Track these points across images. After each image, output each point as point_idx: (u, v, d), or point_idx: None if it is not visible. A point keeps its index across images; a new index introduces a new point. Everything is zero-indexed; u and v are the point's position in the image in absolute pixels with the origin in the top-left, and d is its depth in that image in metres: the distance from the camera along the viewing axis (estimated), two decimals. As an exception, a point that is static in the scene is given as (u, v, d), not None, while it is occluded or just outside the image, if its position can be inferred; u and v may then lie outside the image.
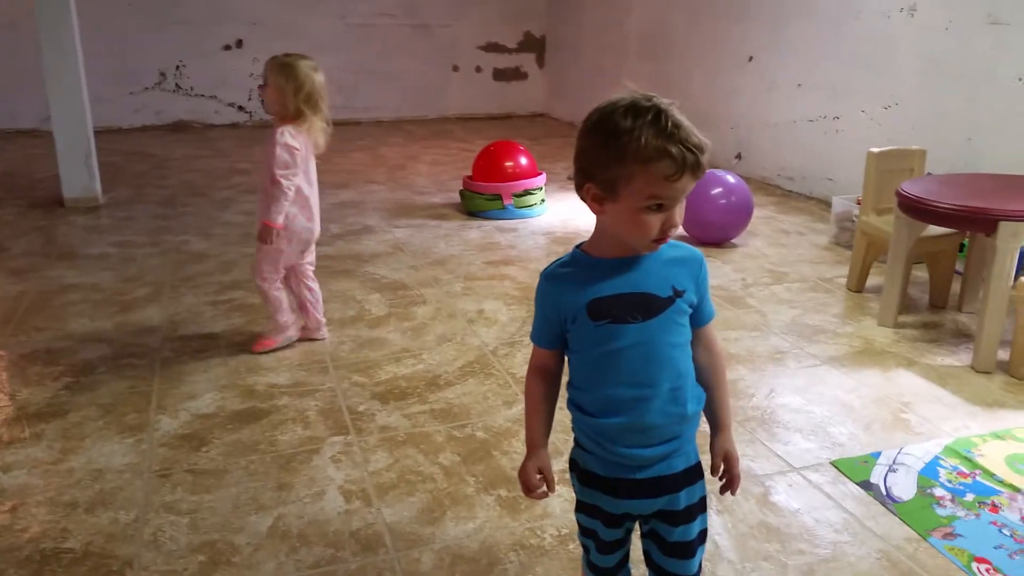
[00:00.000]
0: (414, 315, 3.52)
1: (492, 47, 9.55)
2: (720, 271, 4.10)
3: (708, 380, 1.41)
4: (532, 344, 1.43)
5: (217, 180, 6.19)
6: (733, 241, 4.57)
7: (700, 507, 1.42)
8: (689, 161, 1.20)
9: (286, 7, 8.62)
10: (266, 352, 3.11)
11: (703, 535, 1.45)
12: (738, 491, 1.48)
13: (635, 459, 1.34)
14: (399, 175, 6.47)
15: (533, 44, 9.71)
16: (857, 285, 3.81)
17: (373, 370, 2.98)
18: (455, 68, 9.44)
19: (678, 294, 1.32)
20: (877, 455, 2.41)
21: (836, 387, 2.87)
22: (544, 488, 1.41)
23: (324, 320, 3.26)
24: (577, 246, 1.36)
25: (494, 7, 9.39)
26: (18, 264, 4.18)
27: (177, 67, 8.44)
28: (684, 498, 1.39)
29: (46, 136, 6.77)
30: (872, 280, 3.83)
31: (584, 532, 1.48)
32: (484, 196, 5.15)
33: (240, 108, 8.79)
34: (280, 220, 2.90)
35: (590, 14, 8.60)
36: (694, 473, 1.40)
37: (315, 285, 3.21)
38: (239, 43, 8.59)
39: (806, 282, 3.96)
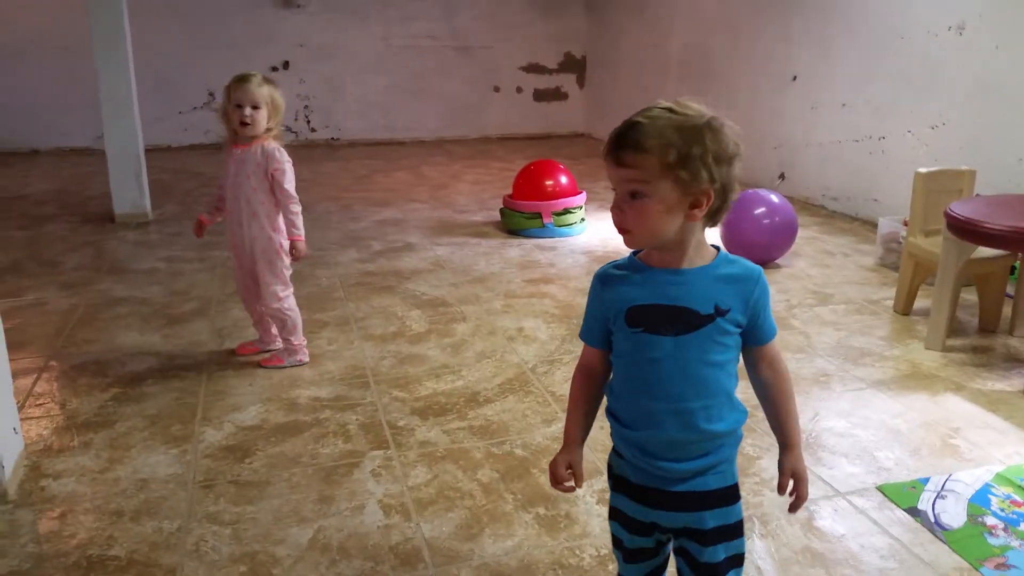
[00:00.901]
0: (454, 332, 3.53)
1: (533, 68, 9.62)
2: (762, 292, 4.05)
3: (773, 398, 1.41)
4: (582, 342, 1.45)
5: (262, 198, 6.30)
6: (777, 262, 4.52)
7: (734, 531, 1.39)
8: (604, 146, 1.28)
9: (331, 29, 8.80)
10: (271, 368, 3.12)
11: (736, 560, 1.41)
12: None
13: (668, 471, 1.35)
14: (440, 193, 6.53)
15: (574, 65, 9.76)
16: (904, 307, 3.73)
17: (413, 385, 3.00)
18: (496, 89, 9.53)
19: (720, 312, 1.30)
20: (925, 481, 2.36)
21: (882, 411, 2.81)
22: (571, 483, 1.43)
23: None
24: (635, 251, 1.37)
25: (535, 29, 9.47)
26: (70, 278, 4.30)
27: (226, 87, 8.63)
28: (712, 518, 1.37)
29: (98, 154, 6.97)
30: (919, 302, 3.75)
31: (614, 541, 1.49)
32: (524, 214, 5.17)
33: (286, 128, 8.92)
34: (302, 232, 2.98)
35: (631, 35, 8.63)
36: (728, 495, 1.38)
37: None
38: (286, 64, 8.77)
39: (852, 304, 3.90)
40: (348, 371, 3.13)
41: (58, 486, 2.33)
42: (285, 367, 3.14)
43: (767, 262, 4.48)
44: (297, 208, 2.97)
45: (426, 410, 2.80)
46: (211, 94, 8.62)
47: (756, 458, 2.48)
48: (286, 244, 3.05)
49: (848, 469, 2.44)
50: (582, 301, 3.85)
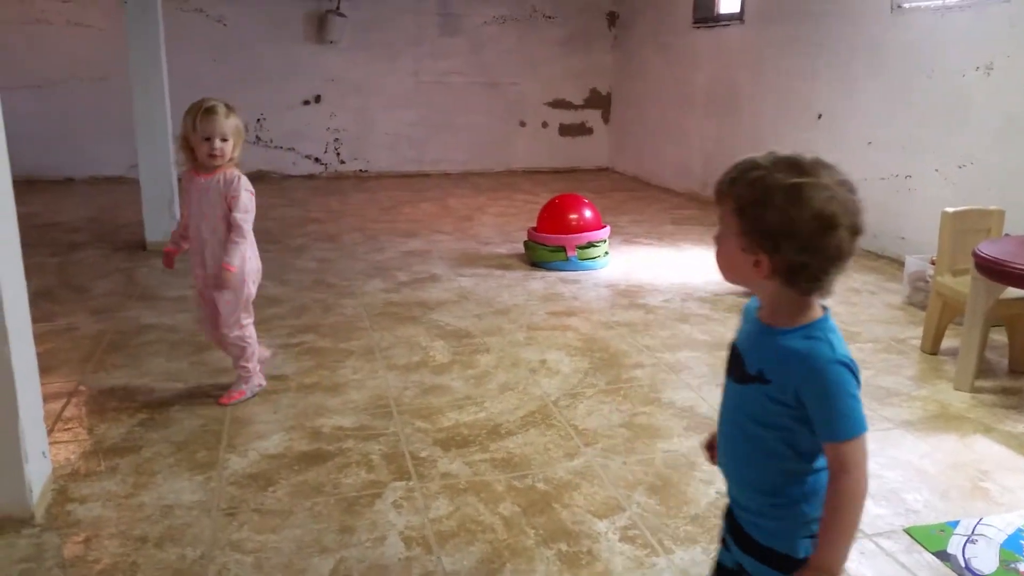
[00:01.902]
0: (477, 363, 3.54)
1: (559, 103, 9.72)
2: (787, 329, 4.03)
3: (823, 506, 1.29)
4: None
5: (292, 228, 6.39)
6: (801, 299, 4.49)
7: None
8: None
9: (362, 65, 8.96)
10: (235, 404, 3.07)
11: None
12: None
13: (735, 507, 1.42)
14: (465, 225, 6.58)
15: (599, 101, 9.85)
16: (932, 347, 3.69)
17: (436, 416, 3.00)
18: (522, 123, 9.63)
19: (762, 380, 1.28)
20: (954, 524, 2.31)
21: (910, 452, 2.77)
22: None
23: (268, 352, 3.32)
24: None
25: (562, 66, 9.59)
26: (100, 304, 4.37)
27: (258, 120, 8.82)
28: (752, 568, 1.37)
29: (131, 183, 7.11)
30: (948, 342, 3.71)
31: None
32: (548, 248, 5.20)
33: (316, 160, 9.10)
34: (238, 263, 2.93)
35: (656, 72, 8.70)
36: (771, 558, 1.34)
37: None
38: (318, 98, 8.94)
39: (878, 343, 3.86)
40: (372, 401, 3.14)
41: (84, 511, 2.36)
42: (248, 397, 3.12)
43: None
44: (241, 239, 2.92)
45: (448, 441, 2.81)
46: (244, 126, 8.77)
47: (781, 497, 2.45)
48: (253, 273, 3.05)
49: (875, 510, 2.40)
50: (605, 334, 3.88)
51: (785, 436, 1.29)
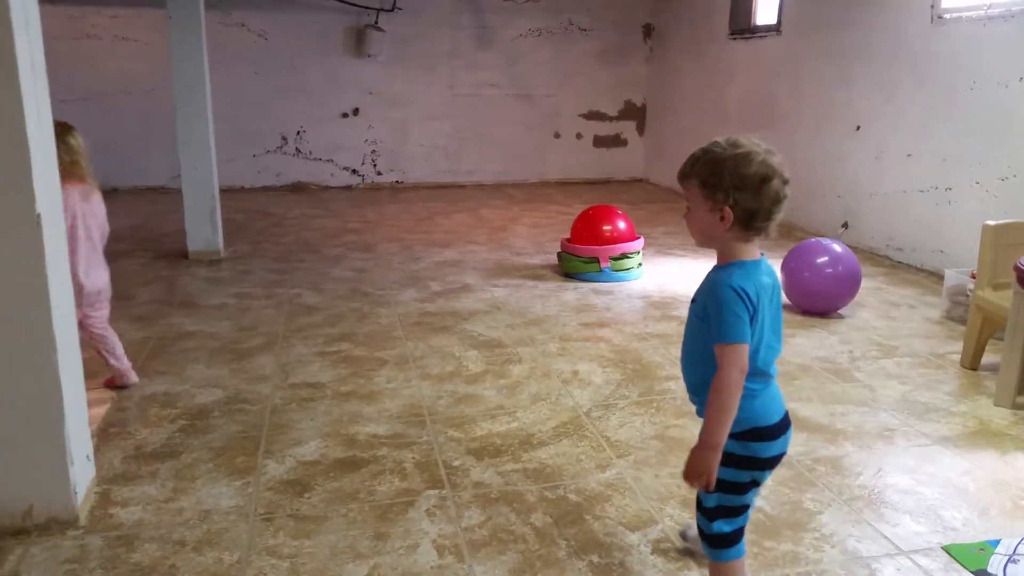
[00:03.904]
0: (510, 373, 3.56)
1: (593, 115, 9.73)
2: (826, 342, 3.99)
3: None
4: None
5: (330, 238, 6.48)
6: (840, 312, 4.44)
7: (716, 484, 1.76)
8: None
9: (400, 78, 9.07)
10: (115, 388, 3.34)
11: (723, 511, 1.82)
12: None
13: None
14: (499, 236, 6.62)
15: (633, 112, 9.84)
16: (972, 362, 3.63)
17: (468, 426, 3.03)
18: (556, 135, 9.65)
19: (694, 301, 1.79)
20: (995, 543, 2.27)
21: (949, 468, 2.73)
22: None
23: (129, 364, 3.40)
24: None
25: (597, 78, 9.60)
26: (142, 311, 4.47)
27: (298, 132, 8.96)
28: None
29: (173, 193, 7.28)
30: (988, 357, 3.64)
31: None
32: (581, 259, 5.20)
33: (354, 171, 9.21)
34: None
35: (691, 82, 8.68)
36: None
37: (106, 333, 3.31)
38: (356, 111, 9.06)
39: (917, 357, 3.80)
40: (406, 409, 3.17)
41: (125, 514, 2.42)
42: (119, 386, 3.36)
43: (830, 312, 4.41)
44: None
45: (481, 451, 2.83)
46: (284, 138, 8.93)
47: (816, 513, 2.43)
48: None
49: (912, 527, 2.37)
50: (638, 346, 3.88)
51: (705, 347, 1.71)
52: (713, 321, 1.68)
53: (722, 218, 1.68)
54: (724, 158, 1.68)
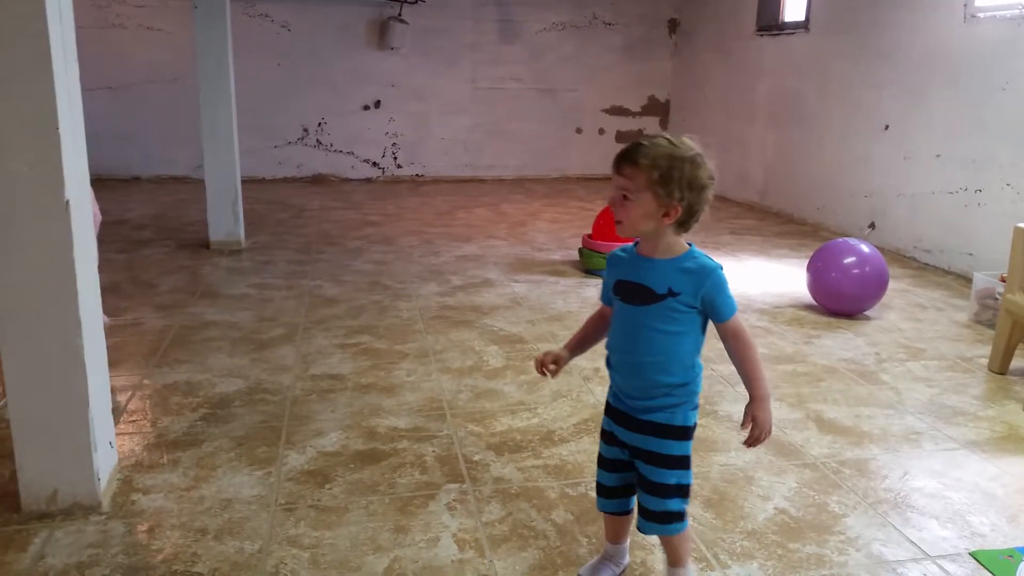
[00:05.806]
0: (530, 369, 3.54)
1: (616, 110, 9.69)
2: (852, 344, 3.94)
3: (736, 363, 1.82)
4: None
5: (350, 230, 6.49)
6: (867, 313, 4.39)
7: (679, 462, 1.84)
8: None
9: (422, 71, 9.07)
10: None
11: (679, 489, 1.86)
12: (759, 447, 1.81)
13: (631, 406, 1.86)
14: (519, 231, 6.60)
15: (657, 108, 9.79)
16: (1000, 367, 3.57)
17: (489, 420, 3.01)
18: (578, 130, 9.62)
19: (672, 294, 1.76)
20: (1024, 551, 2.23)
21: (976, 473, 2.68)
22: (553, 367, 1.95)
23: None
24: (636, 241, 1.83)
25: (620, 73, 9.56)
26: (164, 300, 4.50)
27: (319, 124, 8.99)
28: (656, 445, 1.83)
29: (196, 183, 7.32)
30: (1017, 362, 3.58)
31: (599, 455, 2.00)
32: (603, 255, 5.17)
33: (374, 164, 9.23)
34: None
35: (717, 79, 8.61)
36: (670, 431, 1.82)
37: None
38: (377, 103, 9.07)
39: (944, 360, 3.75)
40: (426, 403, 3.17)
41: (147, 501, 2.43)
42: None
43: (856, 313, 4.35)
44: None
45: (501, 446, 2.81)
46: (305, 130, 8.96)
47: (842, 516, 2.40)
48: None
49: (939, 532, 2.33)
50: (661, 344, 3.82)
51: (684, 333, 1.78)
52: (717, 301, 1.75)
53: (666, 214, 1.71)
54: (683, 157, 1.70)
